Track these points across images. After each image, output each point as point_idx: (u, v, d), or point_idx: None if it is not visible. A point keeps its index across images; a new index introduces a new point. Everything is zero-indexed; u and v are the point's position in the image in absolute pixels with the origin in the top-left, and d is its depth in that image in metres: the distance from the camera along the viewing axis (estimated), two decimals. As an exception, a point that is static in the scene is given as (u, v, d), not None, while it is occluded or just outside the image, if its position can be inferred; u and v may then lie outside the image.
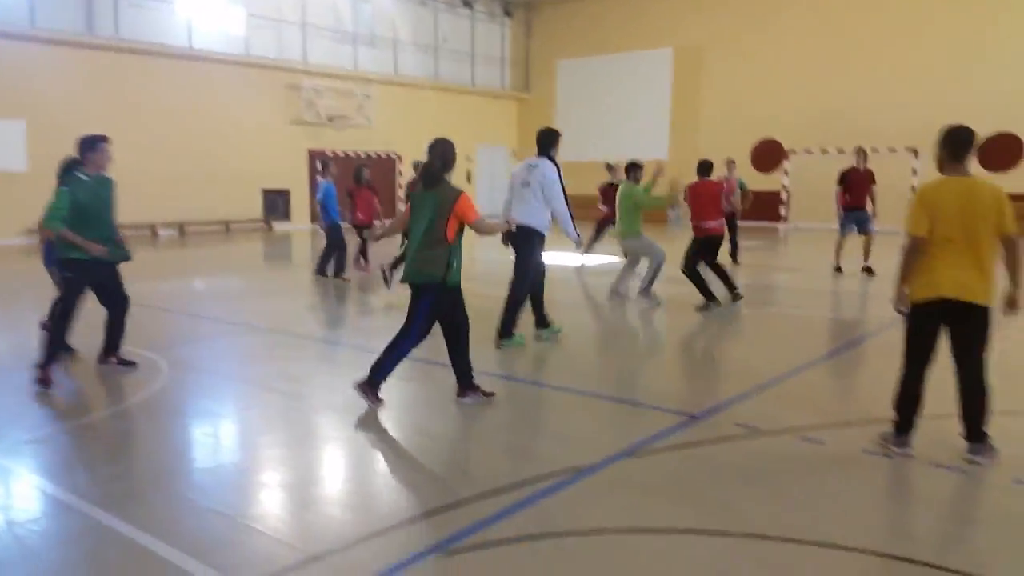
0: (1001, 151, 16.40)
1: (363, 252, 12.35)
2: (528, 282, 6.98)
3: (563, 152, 7.76)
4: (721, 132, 23.96)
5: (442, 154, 5.15)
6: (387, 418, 5.03)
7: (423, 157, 5.38)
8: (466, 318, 5.30)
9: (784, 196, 23.13)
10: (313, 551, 3.18)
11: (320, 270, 11.57)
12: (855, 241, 12.13)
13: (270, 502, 3.78)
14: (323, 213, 11.46)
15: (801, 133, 22.20)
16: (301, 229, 22.37)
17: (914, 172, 20.07)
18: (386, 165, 24.82)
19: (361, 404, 5.11)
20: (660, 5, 26.08)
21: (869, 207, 12.07)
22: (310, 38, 22.91)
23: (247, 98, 21.34)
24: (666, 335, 8.29)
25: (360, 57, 24.29)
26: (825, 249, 13.30)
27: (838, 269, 12.19)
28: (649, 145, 26.39)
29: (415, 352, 5.34)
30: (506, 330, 6.96)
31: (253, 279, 12.76)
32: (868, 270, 11.89)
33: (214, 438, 4.82)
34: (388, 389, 5.27)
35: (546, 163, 7.00)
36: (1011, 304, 4.13)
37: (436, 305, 5.14)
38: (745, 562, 3.11)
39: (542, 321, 7.34)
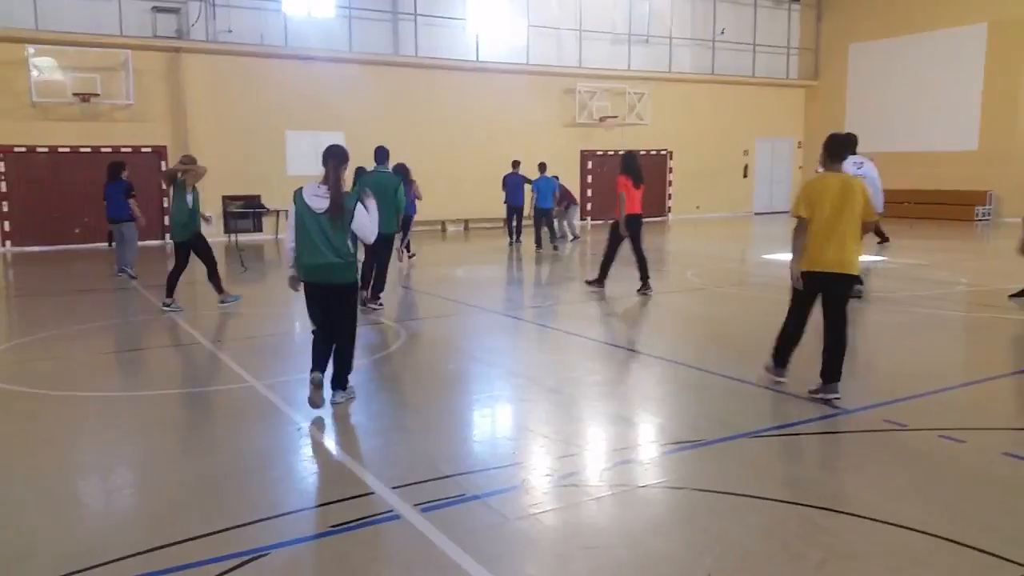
0: None
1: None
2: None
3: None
4: (1046, 118, 20.77)
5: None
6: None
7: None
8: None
9: None
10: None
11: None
12: None
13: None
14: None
15: None
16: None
17: None
18: (657, 160, 25.16)
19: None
20: (972, -23, 23.15)
21: None
22: (586, 42, 23.86)
23: (527, 103, 22.87)
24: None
25: (634, 57, 24.75)
26: None
27: None
28: (953, 134, 23.74)
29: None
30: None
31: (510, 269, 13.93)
32: None
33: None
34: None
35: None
36: None
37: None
38: None
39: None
